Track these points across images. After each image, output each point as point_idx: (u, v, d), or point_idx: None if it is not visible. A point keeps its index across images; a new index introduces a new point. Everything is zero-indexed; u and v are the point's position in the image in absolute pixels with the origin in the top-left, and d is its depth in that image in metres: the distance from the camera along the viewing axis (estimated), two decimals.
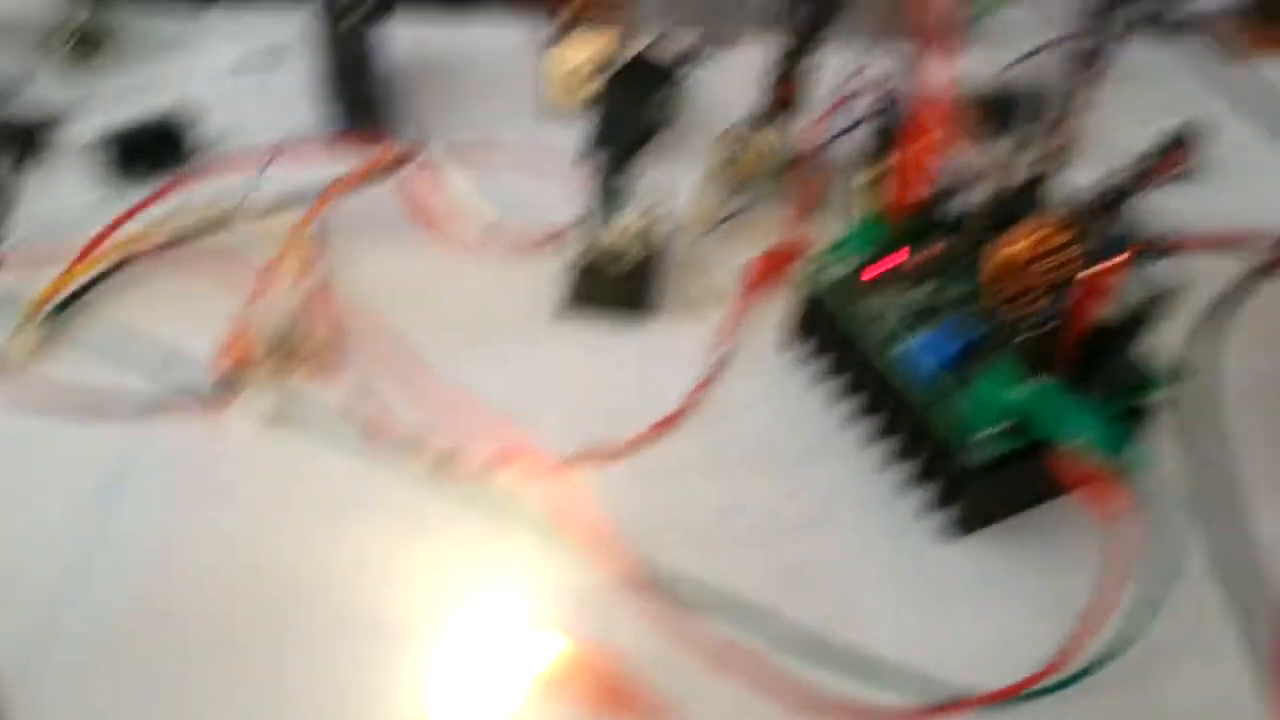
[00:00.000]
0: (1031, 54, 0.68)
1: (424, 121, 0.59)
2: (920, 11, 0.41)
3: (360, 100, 0.55)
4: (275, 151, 0.52)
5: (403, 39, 0.66)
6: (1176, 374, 0.39)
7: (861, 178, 0.43)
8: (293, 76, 0.61)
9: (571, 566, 0.37)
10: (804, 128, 0.54)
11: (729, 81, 0.61)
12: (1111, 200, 0.51)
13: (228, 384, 0.42)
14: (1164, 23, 0.73)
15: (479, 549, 0.38)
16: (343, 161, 0.51)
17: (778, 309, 0.48)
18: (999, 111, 0.60)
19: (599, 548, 0.37)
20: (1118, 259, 0.35)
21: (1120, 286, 0.36)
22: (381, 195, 0.51)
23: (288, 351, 0.42)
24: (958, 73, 0.50)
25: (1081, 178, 0.53)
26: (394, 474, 0.40)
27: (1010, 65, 0.67)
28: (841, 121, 0.51)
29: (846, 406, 0.44)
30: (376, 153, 0.51)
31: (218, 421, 0.41)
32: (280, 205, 0.50)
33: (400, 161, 0.50)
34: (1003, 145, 0.38)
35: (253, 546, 0.38)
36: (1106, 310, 0.35)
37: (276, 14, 0.68)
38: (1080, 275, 0.34)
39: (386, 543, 0.38)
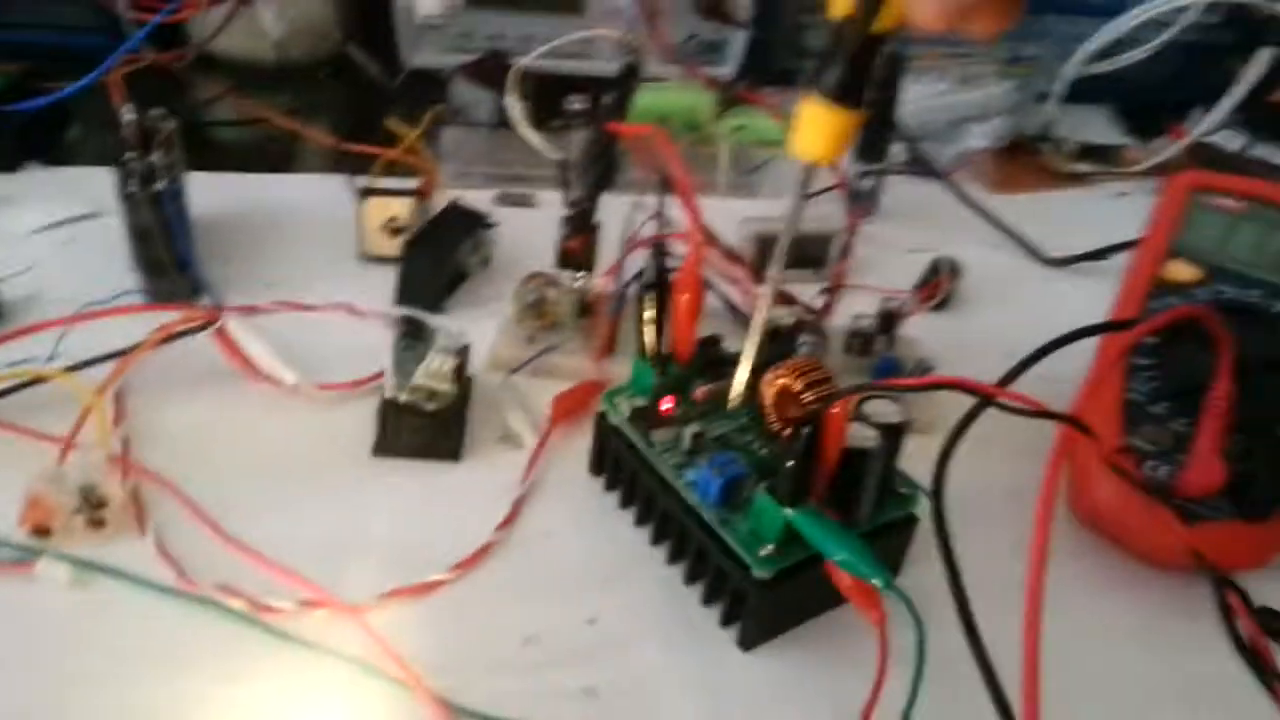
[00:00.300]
0: (810, 196, 0.75)
1: (240, 273, 0.61)
2: (675, 168, 0.46)
3: (164, 263, 0.56)
4: (80, 313, 0.53)
5: (218, 194, 0.68)
6: (917, 494, 0.44)
7: (646, 321, 0.47)
8: (101, 238, 0.62)
9: (380, 706, 0.38)
10: (598, 275, 0.58)
11: (529, 232, 0.65)
12: (881, 328, 0.57)
13: (31, 546, 0.42)
14: (927, 164, 0.81)
15: (291, 693, 0.38)
16: (147, 323, 0.52)
17: (580, 443, 0.51)
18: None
19: (406, 687, 0.38)
20: (860, 391, 0.39)
21: (870, 414, 0.41)
22: (189, 349, 0.52)
23: (92, 510, 0.42)
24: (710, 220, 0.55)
25: (856, 308, 0.59)
26: (205, 624, 0.40)
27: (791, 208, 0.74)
28: (630, 269, 0.55)
29: (645, 531, 0.47)
30: (180, 315, 0.51)
31: (22, 584, 0.41)
32: (84, 366, 0.50)
33: (204, 324, 0.51)
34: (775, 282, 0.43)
35: (62, 706, 0.37)
36: (859, 437, 0.40)
37: (86, 177, 0.69)
38: (834, 405, 0.38)
39: (200, 690, 0.38)
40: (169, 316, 0.52)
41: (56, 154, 0.73)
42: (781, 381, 0.43)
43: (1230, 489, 0.45)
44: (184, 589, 0.41)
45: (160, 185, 0.56)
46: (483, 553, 0.45)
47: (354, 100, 0.88)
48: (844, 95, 0.33)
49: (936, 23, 0.29)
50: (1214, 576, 0.39)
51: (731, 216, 0.66)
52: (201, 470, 0.47)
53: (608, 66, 0.87)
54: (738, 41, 0.88)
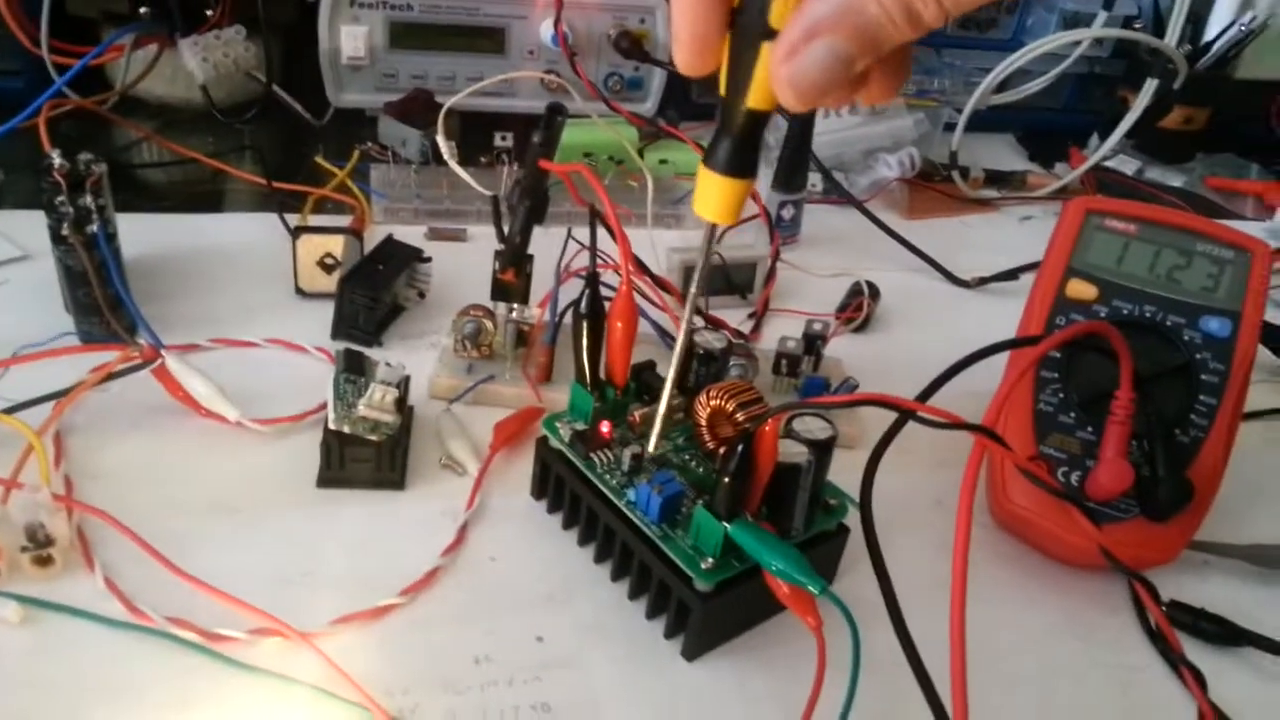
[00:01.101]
0: (732, 226, 0.78)
1: (176, 311, 0.61)
2: (604, 202, 0.48)
3: (97, 304, 0.56)
4: (17, 355, 0.53)
5: (150, 235, 0.68)
6: (846, 505, 0.46)
7: (583, 349, 0.48)
8: (31, 281, 0.62)
9: None
10: (533, 305, 0.59)
11: (462, 266, 0.67)
12: (806, 349, 0.60)
13: None
14: (843, 193, 0.84)
15: (247, 719, 0.39)
16: (84, 362, 0.52)
17: (521, 468, 0.52)
18: (711, 278, 0.68)
19: (362, 709, 0.39)
20: (789, 410, 0.41)
21: (800, 431, 0.43)
22: (129, 388, 0.52)
23: (38, 548, 0.42)
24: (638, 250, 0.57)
25: (782, 330, 0.62)
26: (158, 655, 0.41)
27: (719, 236, 0.76)
28: (563, 299, 0.57)
29: (591, 549, 0.48)
30: (118, 355, 0.52)
31: None
32: (23, 407, 0.50)
33: (143, 362, 0.52)
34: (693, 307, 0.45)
35: None
36: (790, 452, 0.42)
37: (13, 220, 0.68)
38: (766, 423, 0.40)
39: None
40: (107, 356, 0.52)
41: None
42: (715, 403, 0.45)
43: (1136, 491, 0.48)
44: (135, 621, 0.41)
45: (93, 228, 0.56)
46: (430, 577, 0.46)
47: (282, 140, 0.89)
48: (733, 169, 0.36)
49: (798, 106, 0.30)
50: (1125, 573, 0.42)
51: (658, 246, 0.68)
52: (147, 506, 0.47)
53: (530, 104, 0.89)
54: (657, 79, 0.91)
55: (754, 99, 0.33)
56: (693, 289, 0.42)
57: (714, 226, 0.39)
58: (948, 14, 0.27)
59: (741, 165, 0.36)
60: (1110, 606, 0.50)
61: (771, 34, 0.30)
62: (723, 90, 0.34)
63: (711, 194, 0.36)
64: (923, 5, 0.27)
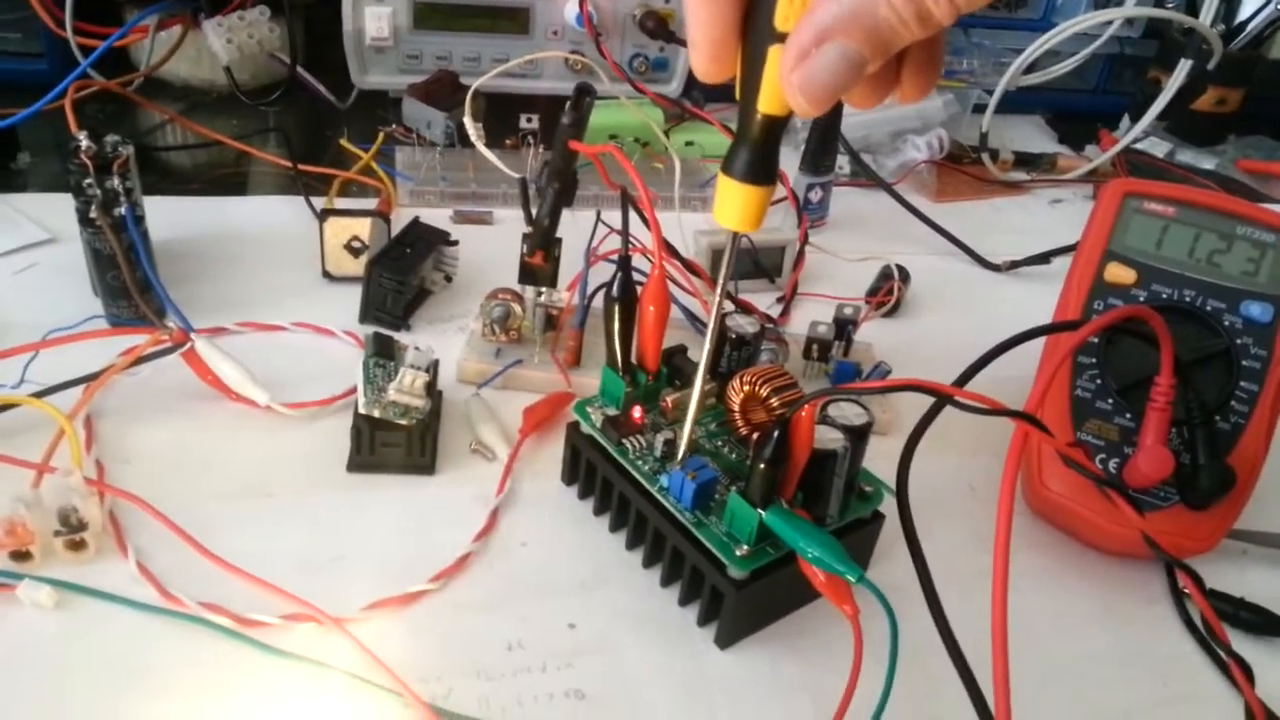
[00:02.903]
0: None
1: (204, 295, 0.61)
2: (637, 184, 0.47)
3: (128, 287, 0.56)
4: (47, 339, 0.53)
5: (176, 218, 0.68)
6: (882, 492, 0.45)
7: (614, 333, 0.48)
8: (59, 264, 0.62)
9: (371, 715, 0.39)
10: (561, 289, 0.59)
11: (488, 249, 0.66)
12: (837, 334, 0.59)
13: (12, 570, 0.42)
14: (871, 175, 0.84)
15: (281, 704, 0.39)
16: (114, 347, 0.52)
17: (550, 453, 0.52)
18: (740, 263, 0.67)
19: (395, 694, 0.39)
20: (825, 395, 0.41)
21: (835, 417, 0.43)
22: (159, 372, 0.52)
23: (71, 533, 0.42)
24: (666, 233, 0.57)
25: (811, 315, 0.61)
26: (191, 641, 0.41)
27: (725, 265, 0.75)
28: (592, 282, 0.57)
29: (622, 535, 0.48)
30: (148, 338, 0.52)
31: (5, 608, 0.41)
32: (54, 391, 0.50)
33: (173, 346, 0.52)
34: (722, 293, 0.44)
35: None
36: (825, 438, 0.41)
37: (39, 204, 0.68)
38: (802, 409, 0.40)
39: (190, 705, 0.38)
40: (136, 340, 0.52)
41: (7, 181, 0.73)
42: (748, 388, 0.44)
43: (1176, 478, 0.48)
44: (168, 606, 0.41)
45: (121, 210, 0.56)
46: (462, 563, 0.45)
47: (306, 122, 0.89)
48: (752, 176, 0.35)
49: (811, 111, 0.30)
50: (1166, 561, 0.41)
51: (685, 229, 0.67)
52: (178, 490, 0.47)
53: (555, 85, 0.89)
54: (682, 59, 0.90)
55: (766, 104, 0.33)
56: (723, 273, 0.41)
57: (734, 237, 0.39)
58: (959, 10, 0.27)
59: (760, 172, 0.35)
60: (1148, 596, 0.49)
61: (779, 38, 0.30)
62: (738, 96, 0.34)
63: (732, 202, 0.35)
64: (934, 4, 0.26)
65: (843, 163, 0.84)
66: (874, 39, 0.27)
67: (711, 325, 0.42)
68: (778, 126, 0.34)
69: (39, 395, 0.49)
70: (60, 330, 0.54)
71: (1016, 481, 0.37)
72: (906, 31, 0.27)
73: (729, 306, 0.59)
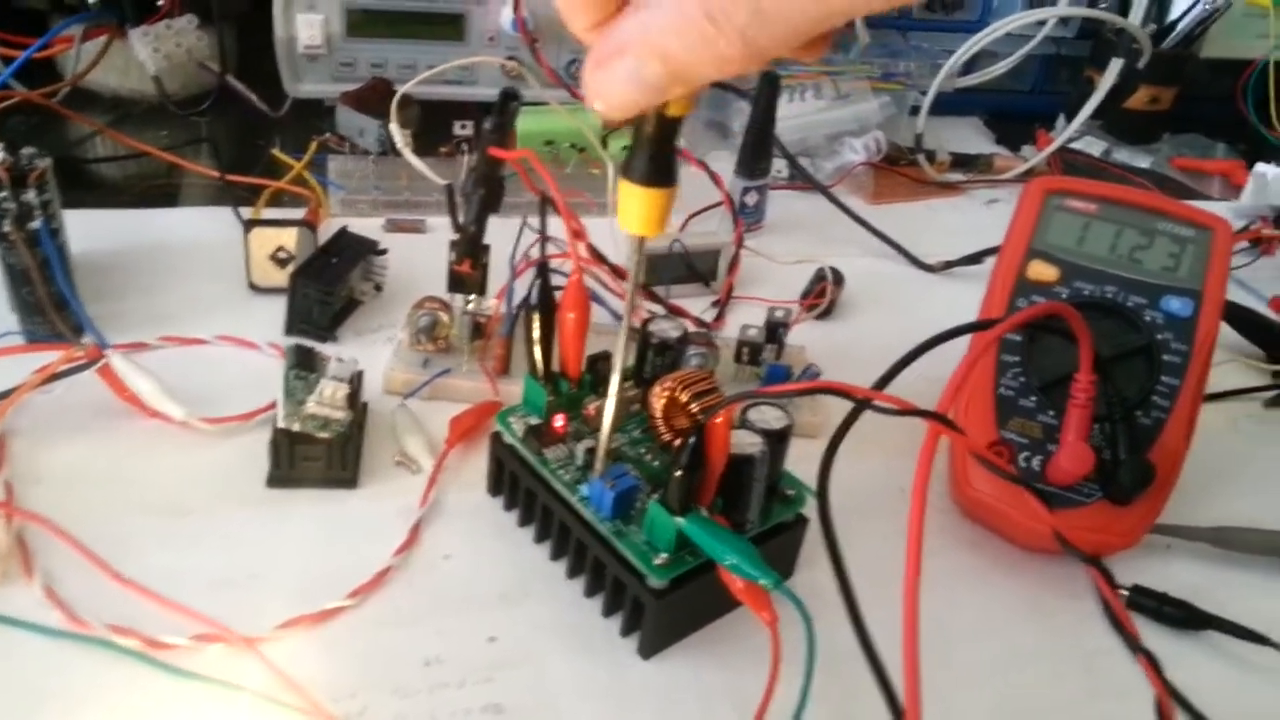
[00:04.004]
0: (696, 214, 0.77)
1: (126, 309, 0.60)
2: (553, 191, 0.47)
3: (43, 302, 0.55)
4: None
5: (100, 231, 0.67)
6: (804, 495, 0.45)
7: (534, 341, 0.48)
8: None
9: None
10: (489, 297, 0.58)
11: (420, 258, 0.66)
12: (769, 337, 0.59)
13: None
14: (808, 178, 0.84)
15: None
16: (28, 364, 0.51)
17: (478, 464, 0.51)
18: (674, 267, 0.68)
19: (307, 716, 0.38)
20: (741, 400, 0.41)
21: (755, 421, 0.42)
22: (74, 389, 0.51)
23: None
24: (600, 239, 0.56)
25: (746, 318, 0.61)
26: (100, 665, 0.40)
27: (681, 226, 0.75)
28: (520, 290, 0.56)
29: (546, 546, 0.47)
30: (62, 355, 0.50)
31: None
32: None
33: (87, 362, 0.50)
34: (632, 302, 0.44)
35: None
36: (743, 444, 0.41)
37: None
38: (715, 414, 0.39)
39: None
40: (50, 356, 0.51)
41: None
42: (668, 393, 0.44)
43: (1097, 474, 0.48)
44: (76, 630, 0.40)
45: (36, 224, 0.54)
46: (381, 577, 0.45)
47: (238, 131, 0.87)
48: (651, 178, 0.34)
49: (611, 115, 0.28)
50: (1079, 557, 0.41)
51: (619, 235, 0.67)
52: (91, 510, 0.46)
53: (491, 92, 0.88)
54: None
55: (672, 106, 0.32)
56: (631, 279, 0.41)
57: (639, 244, 0.39)
58: (761, 54, 0.25)
59: (659, 174, 0.34)
60: (1072, 592, 0.49)
61: None
62: None
63: (633, 207, 0.35)
64: (727, 46, 0.25)
65: (779, 166, 0.84)
66: (670, 68, 0.26)
67: (623, 333, 0.42)
68: (670, 127, 0.33)
69: None
70: None
71: (929, 481, 0.37)
72: (703, 69, 0.26)
73: (658, 311, 0.59)
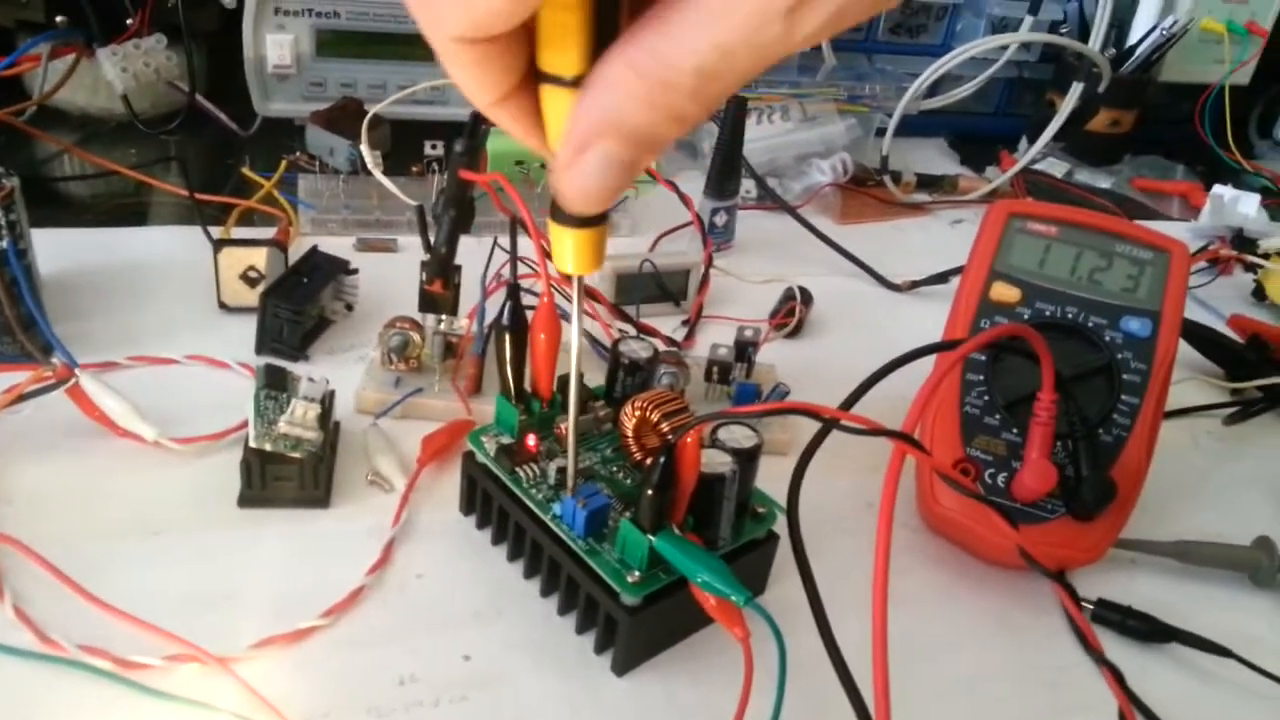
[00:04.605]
0: (665, 234, 0.78)
1: (95, 329, 0.60)
2: (522, 211, 0.47)
3: (9, 322, 0.55)
4: None
5: (69, 250, 0.66)
6: (775, 513, 0.46)
7: (505, 361, 0.48)
8: None
9: None
10: (461, 317, 0.59)
11: (392, 277, 0.66)
12: (738, 356, 0.59)
13: None
14: (776, 199, 0.85)
15: None
16: None
17: (450, 483, 0.51)
18: (645, 286, 0.68)
19: None
20: (711, 420, 0.41)
21: (725, 440, 0.43)
22: (43, 410, 0.51)
23: None
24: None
25: (716, 337, 0.62)
26: (71, 686, 0.39)
27: (651, 245, 0.76)
28: (491, 310, 0.57)
29: (520, 564, 0.47)
30: (30, 375, 0.50)
31: None
32: None
33: (56, 382, 0.50)
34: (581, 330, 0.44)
35: None
36: (714, 463, 0.42)
37: None
38: (685, 434, 0.40)
39: None
40: (19, 377, 0.50)
41: None
42: (639, 413, 0.45)
43: (1060, 491, 0.49)
44: (47, 651, 0.40)
45: (3, 244, 0.54)
46: (354, 597, 0.45)
47: (208, 150, 0.87)
48: (578, 220, 0.33)
49: (593, 209, 0.28)
50: (1042, 572, 0.42)
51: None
52: (60, 531, 0.46)
53: (463, 112, 0.88)
54: None
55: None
56: (574, 310, 0.40)
57: (579, 283, 0.38)
58: (711, 107, 0.26)
59: (590, 215, 0.33)
60: (1039, 607, 0.50)
61: (547, 79, 0.27)
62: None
63: (566, 248, 0.34)
64: (687, 104, 0.26)
65: (748, 186, 0.85)
66: (635, 141, 0.27)
67: (574, 361, 0.41)
68: None
69: None
70: None
71: (895, 499, 0.37)
72: (667, 131, 0.26)
73: (630, 331, 0.60)
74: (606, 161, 0.26)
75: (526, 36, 0.25)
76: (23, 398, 0.50)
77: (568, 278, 0.61)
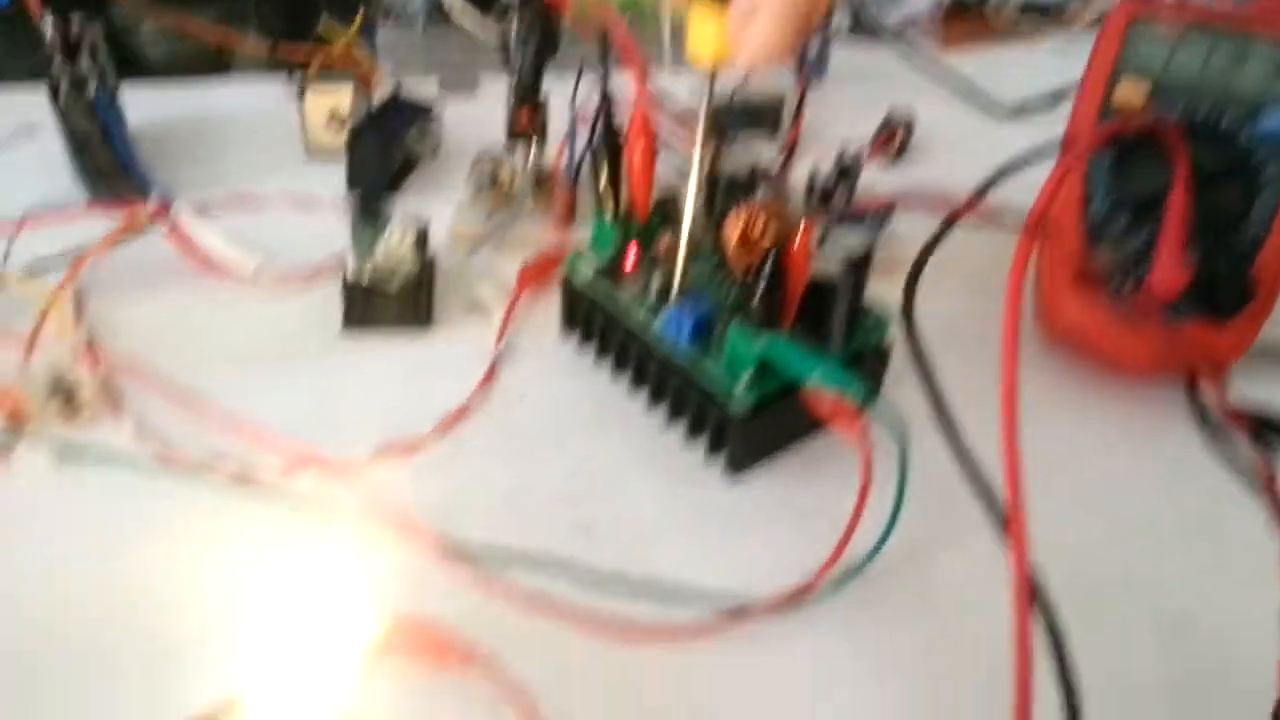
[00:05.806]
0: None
1: (186, 177, 0.60)
2: (622, 41, 0.45)
3: (104, 167, 0.55)
4: (26, 220, 0.51)
5: (155, 106, 0.66)
6: (887, 324, 0.44)
7: (600, 184, 0.46)
8: (39, 154, 0.61)
9: (380, 552, 0.38)
10: (550, 146, 0.57)
11: (476, 119, 0.64)
12: (841, 177, 0.57)
13: (4, 437, 0.41)
14: (873, 28, 0.81)
15: (290, 548, 0.38)
16: (97, 225, 0.51)
17: (548, 310, 0.51)
18: (738, 115, 0.66)
19: (403, 532, 0.39)
20: (812, 223, 0.39)
21: (828, 248, 0.41)
22: (144, 248, 0.51)
23: (64, 400, 0.42)
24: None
25: (813, 162, 0.59)
26: (193, 495, 0.40)
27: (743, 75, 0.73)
28: (580, 138, 0.55)
29: (621, 381, 0.47)
30: (127, 215, 0.50)
31: (2, 470, 0.41)
32: (38, 270, 0.49)
33: (153, 220, 0.50)
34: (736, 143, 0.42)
35: (55, 578, 0.37)
36: (822, 268, 0.40)
37: (14, 95, 0.67)
38: (793, 240, 0.38)
39: (193, 554, 0.38)
40: (118, 216, 0.50)
41: None
42: (741, 223, 0.43)
43: (1195, 290, 0.46)
44: (168, 463, 0.41)
45: (92, 91, 0.54)
46: (462, 413, 0.44)
47: (285, 4, 0.86)
48: None
49: (763, 64, 0.33)
50: (1188, 374, 0.40)
51: (676, 91, 0.65)
52: (172, 359, 0.46)
53: None
54: None
55: None
56: (703, 110, 0.39)
57: (712, 76, 0.37)
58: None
59: None
60: (1168, 416, 0.48)
61: None
62: None
63: (703, 29, 0.33)
64: None
65: (844, 17, 0.81)
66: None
67: (697, 146, 0.40)
68: None
69: (24, 276, 0.48)
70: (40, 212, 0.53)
71: (1021, 289, 0.35)
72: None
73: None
74: (774, 22, 0.31)
75: None
76: (125, 233, 0.50)
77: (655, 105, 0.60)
